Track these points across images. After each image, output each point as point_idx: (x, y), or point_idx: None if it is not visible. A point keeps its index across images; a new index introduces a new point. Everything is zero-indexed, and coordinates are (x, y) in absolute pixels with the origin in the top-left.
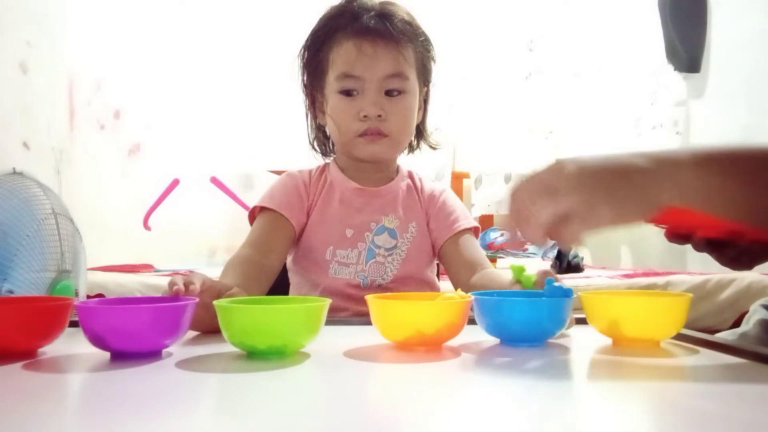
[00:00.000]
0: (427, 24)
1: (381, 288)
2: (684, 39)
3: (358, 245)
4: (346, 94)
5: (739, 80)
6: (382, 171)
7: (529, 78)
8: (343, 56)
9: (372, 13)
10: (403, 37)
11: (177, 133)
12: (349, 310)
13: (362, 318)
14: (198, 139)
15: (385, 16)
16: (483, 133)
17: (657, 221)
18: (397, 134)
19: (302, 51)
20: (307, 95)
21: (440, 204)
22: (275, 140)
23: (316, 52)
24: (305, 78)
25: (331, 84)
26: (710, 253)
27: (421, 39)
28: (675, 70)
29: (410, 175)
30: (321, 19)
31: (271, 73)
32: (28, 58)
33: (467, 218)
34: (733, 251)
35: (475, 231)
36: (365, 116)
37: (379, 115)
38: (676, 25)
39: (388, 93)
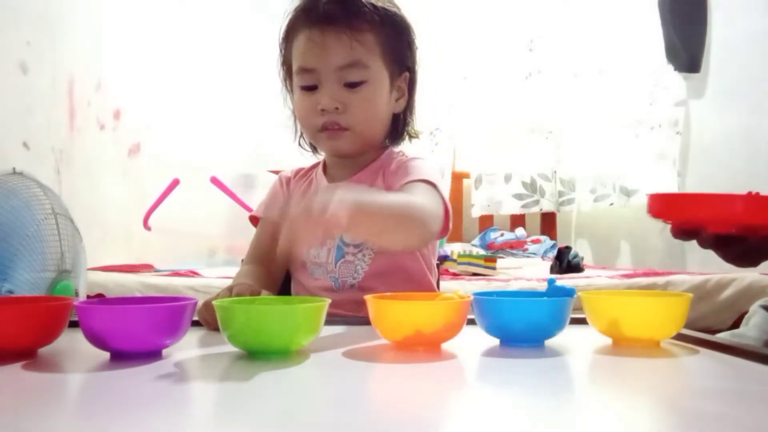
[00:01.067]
0: (427, 24)
1: (354, 289)
2: (684, 39)
3: (327, 242)
4: (306, 89)
5: (739, 80)
6: (358, 164)
7: (529, 78)
8: (298, 49)
9: (327, 1)
10: (359, 23)
11: (177, 133)
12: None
13: (362, 318)
14: (198, 139)
15: (342, 1)
16: (483, 133)
17: (663, 216)
18: (359, 127)
19: (279, 49)
20: (289, 93)
21: (398, 171)
22: (275, 140)
23: (284, 49)
24: (282, 76)
25: (295, 80)
26: (716, 250)
27: (392, 22)
28: (675, 70)
29: (388, 156)
30: (289, 14)
31: (271, 73)
32: (28, 58)
33: (423, 176)
34: (740, 248)
35: (430, 184)
36: (323, 110)
37: (337, 108)
38: (676, 25)
39: (349, 84)
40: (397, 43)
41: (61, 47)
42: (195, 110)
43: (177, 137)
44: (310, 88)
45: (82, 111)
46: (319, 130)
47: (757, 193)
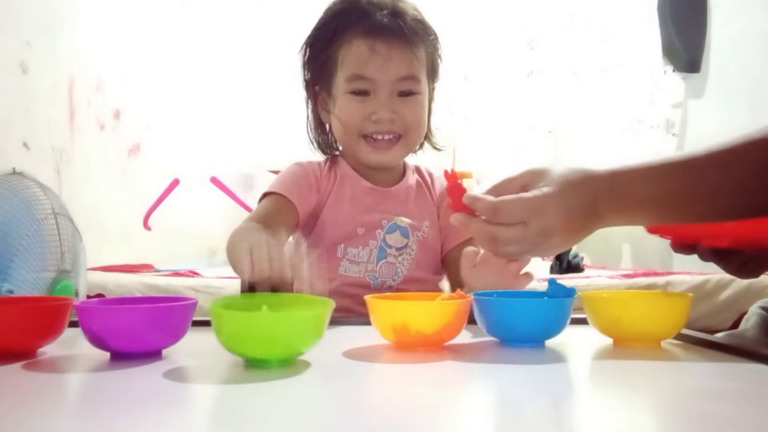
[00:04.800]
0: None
1: (392, 290)
2: (684, 39)
3: (369, 243)
4: (356, 94)
5: (739, 80)
6: (390, 170)
7: (530, 77)
8: (354, 56)
9: (384, 11)
10: (415, 37)
11: (177, 133)
12: (356, 311)
13: (362, 318)
14: (198, 139)
15: (397, 13)
16: (484, 132)
17: (660, 233)
18: (410, 134)
19: (304, 47)
20: (309, 92)
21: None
22: (275, 140)
23: (321, 50)
24: (307, 75)
25: (340, 85)
26: (716, 262)
27: (431, 37)
28: (674, 70)
29: (418, 171)
30: (326, 15)
31: (271, 72)
32: (28, 58)
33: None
34: (739, 259)
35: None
36: (377, 119)
37: (392, 118)
38: (676, 25)
39: (401, 94)
40: (434, 58)
41: (61, 47)
42: (195, 110)
43: (177, 137)
44: (361, 94)
45: (82, 111)
46: (364, 136)
47: None
